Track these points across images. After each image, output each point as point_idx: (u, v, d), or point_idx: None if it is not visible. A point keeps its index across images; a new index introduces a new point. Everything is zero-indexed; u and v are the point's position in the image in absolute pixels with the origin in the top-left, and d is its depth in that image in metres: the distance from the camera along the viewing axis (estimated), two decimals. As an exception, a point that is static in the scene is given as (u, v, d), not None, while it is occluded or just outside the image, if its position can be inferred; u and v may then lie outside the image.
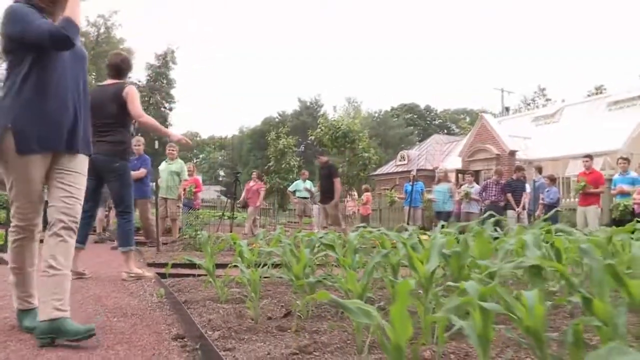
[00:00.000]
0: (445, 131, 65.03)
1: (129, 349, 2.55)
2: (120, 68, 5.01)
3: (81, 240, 4.76)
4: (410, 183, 14.52)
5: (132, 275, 4.86)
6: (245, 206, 13.45)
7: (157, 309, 3.58)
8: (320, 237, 3.70)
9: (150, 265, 5.79)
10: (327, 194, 10.10)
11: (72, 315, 2.68)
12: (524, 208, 11.69)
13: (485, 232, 2.95)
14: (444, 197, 13.01)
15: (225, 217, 14.19)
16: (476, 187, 13.09)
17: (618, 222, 9.19)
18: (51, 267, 2.63)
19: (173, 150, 9.48)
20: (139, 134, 7.97)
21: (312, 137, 16.19)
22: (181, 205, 9.91)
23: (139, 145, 8.04)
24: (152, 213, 8.25)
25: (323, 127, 13.92)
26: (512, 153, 18.59)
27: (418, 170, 25.21)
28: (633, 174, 10.63)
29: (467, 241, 2.61)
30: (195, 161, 77.22)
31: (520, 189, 11.79)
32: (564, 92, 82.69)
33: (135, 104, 4.72)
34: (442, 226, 4.21)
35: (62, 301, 2.61)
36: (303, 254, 3.03)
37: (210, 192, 43.99)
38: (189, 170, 11.41)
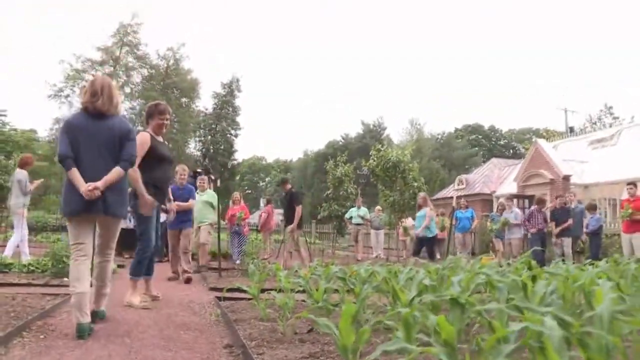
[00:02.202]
0: (511, 151, 64.27)
1: (191, 353, 3.52)
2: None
3: (148, 273, 5.77)
4: (459, 209, 15.03)
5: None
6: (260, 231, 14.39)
7: (214, 325, 4.57)
8: (336, 271, 4.59)
9: (211, 289, 6.82)
10: (289, 220, 10.48)
11: (148, 329, 3.66)
12: (565, 236, 11.89)
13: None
14: (422, 222, 12.28)
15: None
16: (516, 211, 13.42)
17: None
18: None
19: (203, 183, 10.25)
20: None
21: (365, 167, 17.07)
22: (212, 232, 10.02)
23: (183, 176, 8.53)
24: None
25: (375, 158, 14.71)
26: (566, 178, 18.56)
27: (476, 194, 25.51)
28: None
29: (443, 276, 3.41)
30: (261, 184, 79.71)
31: (564, 216, 11.99)
32: (633, 110, 78.50)
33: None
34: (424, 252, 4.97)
35: None
36: (320, 285, 3.93)
37: (274, 216, 45.02)
38: (236, 199, 12.43)
